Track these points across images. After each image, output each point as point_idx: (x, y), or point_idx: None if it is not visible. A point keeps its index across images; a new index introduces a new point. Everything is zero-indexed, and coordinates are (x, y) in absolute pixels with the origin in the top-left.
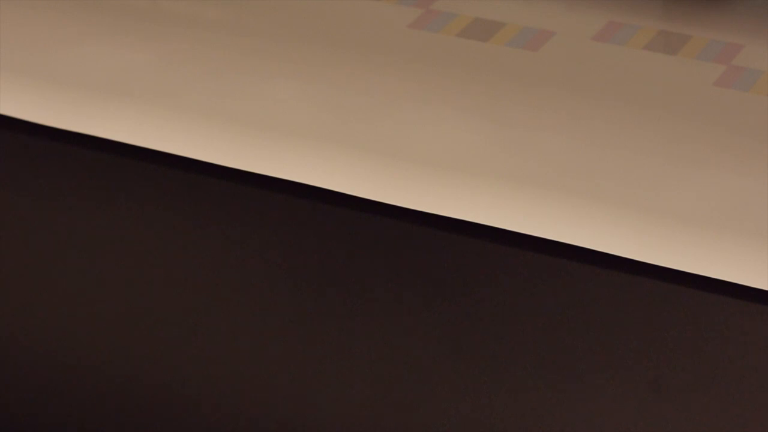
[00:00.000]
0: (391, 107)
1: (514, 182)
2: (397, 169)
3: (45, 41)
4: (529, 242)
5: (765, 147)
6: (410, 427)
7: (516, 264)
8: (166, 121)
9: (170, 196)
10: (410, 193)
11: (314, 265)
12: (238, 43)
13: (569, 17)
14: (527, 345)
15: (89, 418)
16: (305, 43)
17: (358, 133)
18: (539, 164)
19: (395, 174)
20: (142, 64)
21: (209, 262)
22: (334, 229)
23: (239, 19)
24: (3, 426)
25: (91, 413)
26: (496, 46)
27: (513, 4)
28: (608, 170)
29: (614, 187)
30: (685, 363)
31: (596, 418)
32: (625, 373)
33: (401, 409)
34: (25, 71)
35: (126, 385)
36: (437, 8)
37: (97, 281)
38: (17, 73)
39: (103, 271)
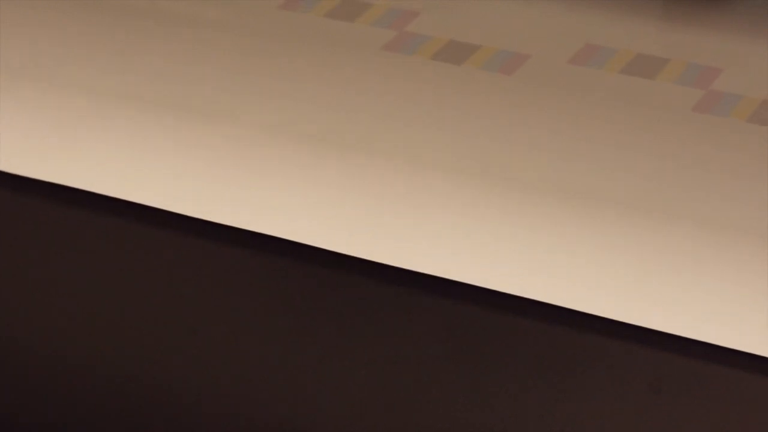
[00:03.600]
0: (361, 134)
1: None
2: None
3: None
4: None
5: (747, 177)
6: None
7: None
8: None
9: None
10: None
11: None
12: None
13: (546, 39)
14: (526, 346)
15: (88, 418)
16: (280, 63)
17: (328, 163)
18: (505, 195)
19: (362, 218)
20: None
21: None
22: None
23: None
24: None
25: (90, 414)
26: (470, 69)
27: (489, 26)
28: (582, 198)
29: (592, 211)
30: (684, 363)
31: (595, 418)
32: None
33: (398, 410)
34: None
35: (124, 386)
36: (412, 30)
37: (96, 287)
38: None
39: (103, 278)
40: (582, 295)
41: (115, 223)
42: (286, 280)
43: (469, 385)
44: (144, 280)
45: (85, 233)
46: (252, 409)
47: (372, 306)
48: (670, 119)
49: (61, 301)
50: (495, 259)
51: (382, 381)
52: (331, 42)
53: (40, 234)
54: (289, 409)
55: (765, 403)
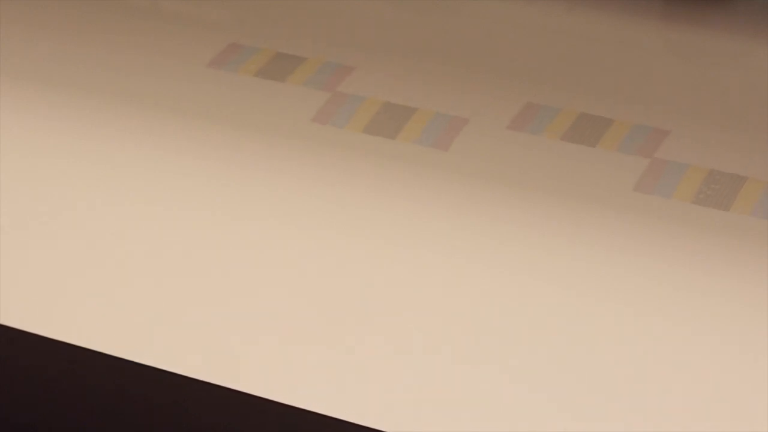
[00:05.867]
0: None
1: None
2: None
3: None
4: None
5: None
6: None
7: None
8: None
9: None
10: None
11: None
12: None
13: (484, 99)
14: None
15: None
16: (204, 138)
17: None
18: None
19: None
20: None
21: None
22: None
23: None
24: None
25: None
26: (404, 146)
27: (423, 85)
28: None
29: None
30: None
31: None
32: None
33: None
34: None
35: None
36: (345, 90)
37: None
38: None
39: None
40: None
41: None
42: None
43: None
44: None
45: None
46: None
47: None
48: (610, 202)
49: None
50: None
51: None
52: (261, 109)
53: None
54: None
55: None
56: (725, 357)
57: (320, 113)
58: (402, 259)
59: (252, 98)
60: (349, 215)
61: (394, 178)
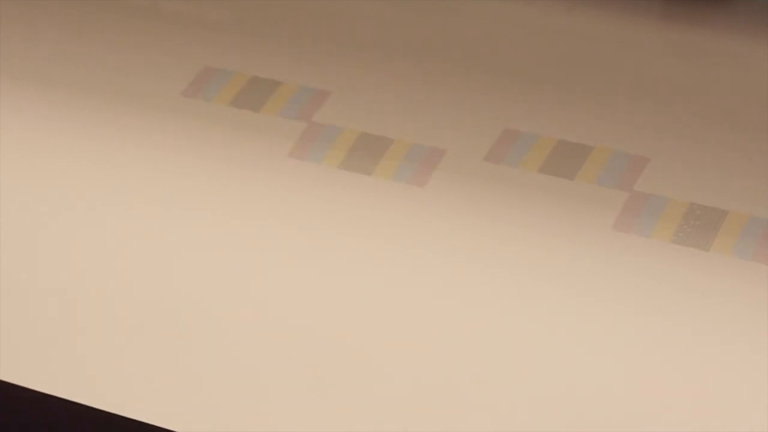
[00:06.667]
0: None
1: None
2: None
3: None
4: None
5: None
6: None
7: None
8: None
9: None
10: None
11: None
12: None
13: (461, 129)
14: None
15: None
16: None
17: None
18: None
19: None
20: None
21: None
22: None
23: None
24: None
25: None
26: (380, 182)
27: (398, 117)
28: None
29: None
30: None
31: None
32: None
33: None
34: None
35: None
36: (320, 120)
37: None
38: None
39: None
40: None
41: None
42: None
43: None
44: None
45: None
46: None
47: None
48: (588, 242)
49: None
50: None
51: None
52: (230, 149)
53: None
54: None
55: None
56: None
57: (296, 148)
58: (375, 300)
59: (227, 131)
60: (327, 255)
61: (369, 218)
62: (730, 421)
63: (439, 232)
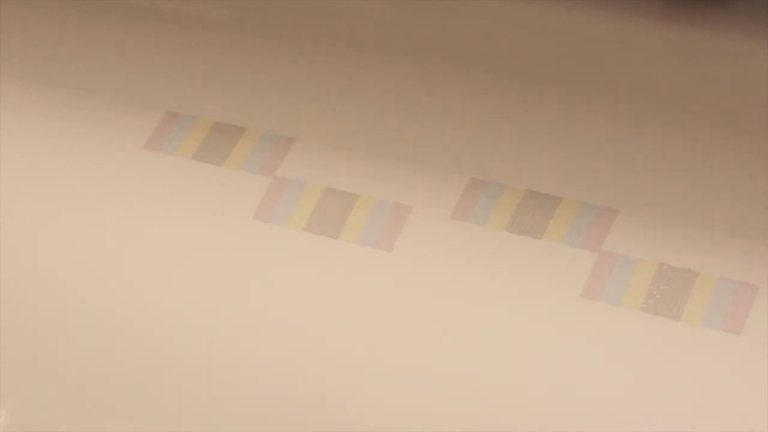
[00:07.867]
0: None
1: None
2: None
3: None
4: None
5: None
6: None
7: None
8: None
9: None
10: None
11: None
12: None
13: (427, 181)
14: None
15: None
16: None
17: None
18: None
19: None
20: None
21: None
22: None
23: None
24: None
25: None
26: (346, 246)
27: (366, 173)
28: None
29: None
30: None
31: None
32: None
33: None
34: None
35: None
36: (284, 174)
37: None
38: None
39: None
40: None
41: None
42: None
43: None
44: None
45: None
46: None
47: None
48: (555, 310)
49: None
50: None
51: None
52: (192, 209)
53: None
54: None
55: None
56: None
57: (260, 209)
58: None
59: (190, 186)
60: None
61: (336, 283)
62: None
63: (405, 293)
